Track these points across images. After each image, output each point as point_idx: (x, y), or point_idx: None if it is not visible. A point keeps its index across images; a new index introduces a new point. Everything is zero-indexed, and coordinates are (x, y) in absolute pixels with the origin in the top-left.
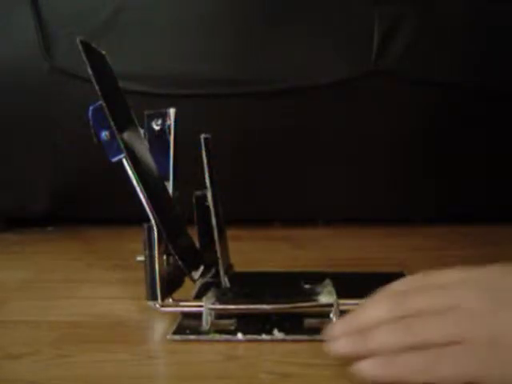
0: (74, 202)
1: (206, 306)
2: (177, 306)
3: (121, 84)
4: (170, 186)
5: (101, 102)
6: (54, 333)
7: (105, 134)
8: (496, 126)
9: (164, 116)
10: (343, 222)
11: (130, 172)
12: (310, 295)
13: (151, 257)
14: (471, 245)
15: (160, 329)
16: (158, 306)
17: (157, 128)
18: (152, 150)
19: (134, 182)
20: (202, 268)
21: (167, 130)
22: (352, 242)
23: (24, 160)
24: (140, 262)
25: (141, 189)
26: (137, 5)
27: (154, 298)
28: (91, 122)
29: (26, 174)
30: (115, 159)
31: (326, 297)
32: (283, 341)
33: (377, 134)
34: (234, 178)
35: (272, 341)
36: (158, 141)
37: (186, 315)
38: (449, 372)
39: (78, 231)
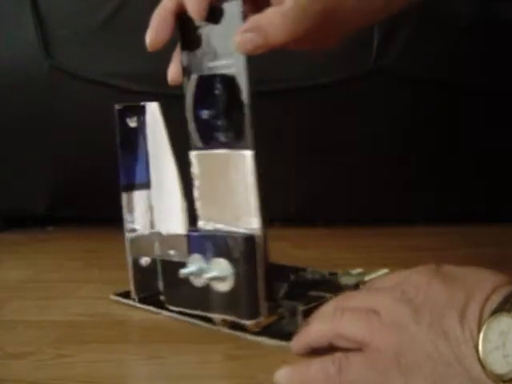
0: (74, 202)
1: (300, 309)
2: (269, 319)
3: (121, 84)
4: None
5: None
6: (54, 333)
7: (205, 113)
8: (496, 126)
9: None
10: (343, 222)
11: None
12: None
13: (251, 271)
14: (471, 245)
15: (159, 329)
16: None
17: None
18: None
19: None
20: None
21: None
22: (352, 241)
23: (24, 160)
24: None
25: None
26: (136, 5)
27: (256, 316)
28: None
29: (26, 174)
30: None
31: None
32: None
33: (377, 133)
34: None
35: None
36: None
37: None
38: (352, 377)
39: (77, 231)
